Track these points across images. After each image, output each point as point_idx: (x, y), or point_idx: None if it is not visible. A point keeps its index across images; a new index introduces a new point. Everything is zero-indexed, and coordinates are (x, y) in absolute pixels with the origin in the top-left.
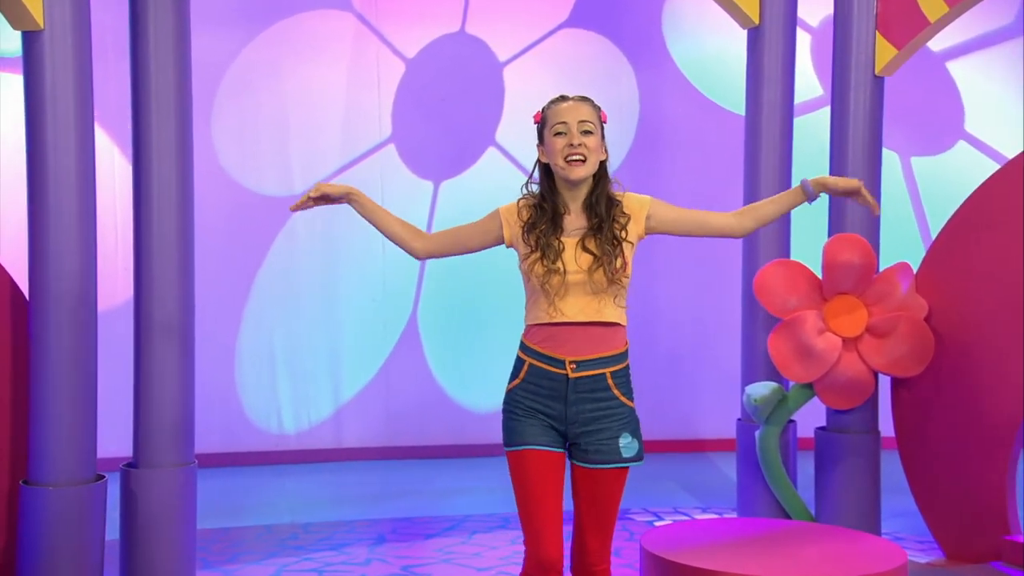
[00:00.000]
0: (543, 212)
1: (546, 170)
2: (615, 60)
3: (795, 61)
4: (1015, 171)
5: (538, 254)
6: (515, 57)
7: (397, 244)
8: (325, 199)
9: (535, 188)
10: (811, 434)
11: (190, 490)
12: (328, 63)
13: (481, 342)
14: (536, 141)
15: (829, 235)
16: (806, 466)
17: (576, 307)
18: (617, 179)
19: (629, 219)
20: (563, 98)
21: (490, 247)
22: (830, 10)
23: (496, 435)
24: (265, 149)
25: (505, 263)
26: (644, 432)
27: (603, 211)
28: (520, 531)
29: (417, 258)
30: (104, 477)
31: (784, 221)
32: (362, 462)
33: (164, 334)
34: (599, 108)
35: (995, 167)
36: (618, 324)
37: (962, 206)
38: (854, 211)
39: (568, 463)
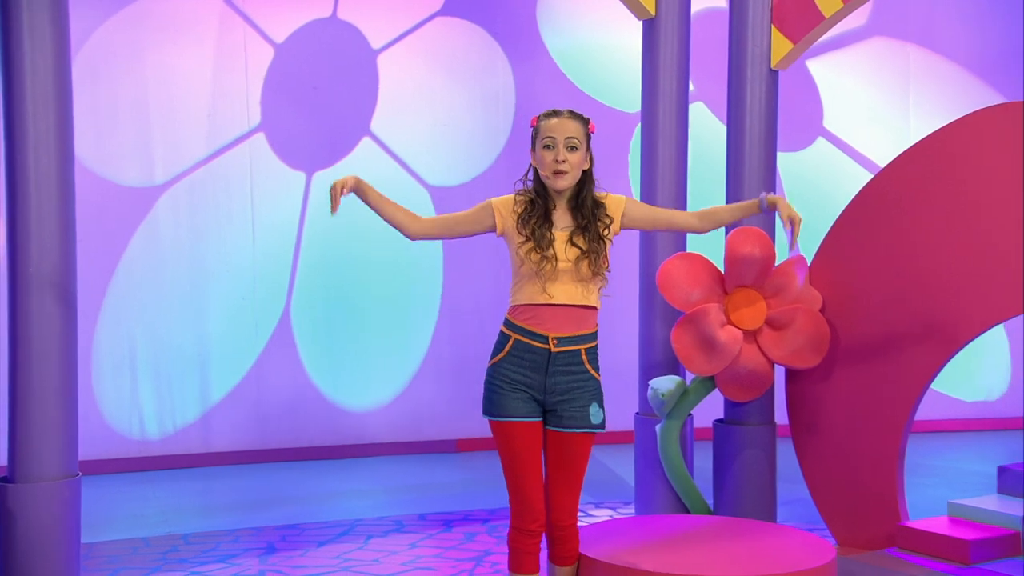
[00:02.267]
0: (535, 207)
1: (536, 172)
2: (490, 50)
3: (690, 52)
4: (901, 167)
5: (531, 244)
6: (389, 45)
7: (395, 227)
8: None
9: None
10: (708, 425)
11: (73, 505)
12: (191, 46)
13: (358, 339)
14: (530, 146)
15: (726, 229)
16: (700, 458)
17: (564, 292)
18: (597, 179)
19: (612, 220)
20: (555, 113)
21: (479, 234)
22: (710, 2)
23: (375, 434)
24: (123, 137)
25: (381, 258)
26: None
27: (589, 212)
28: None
29: (410, 239)
30: None
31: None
32: (232, 466)
33: (43, 334)
34: (587, 122)
35: (851, 163)
36: (595, 308)
37: (851, 202)
38: (751, 196)
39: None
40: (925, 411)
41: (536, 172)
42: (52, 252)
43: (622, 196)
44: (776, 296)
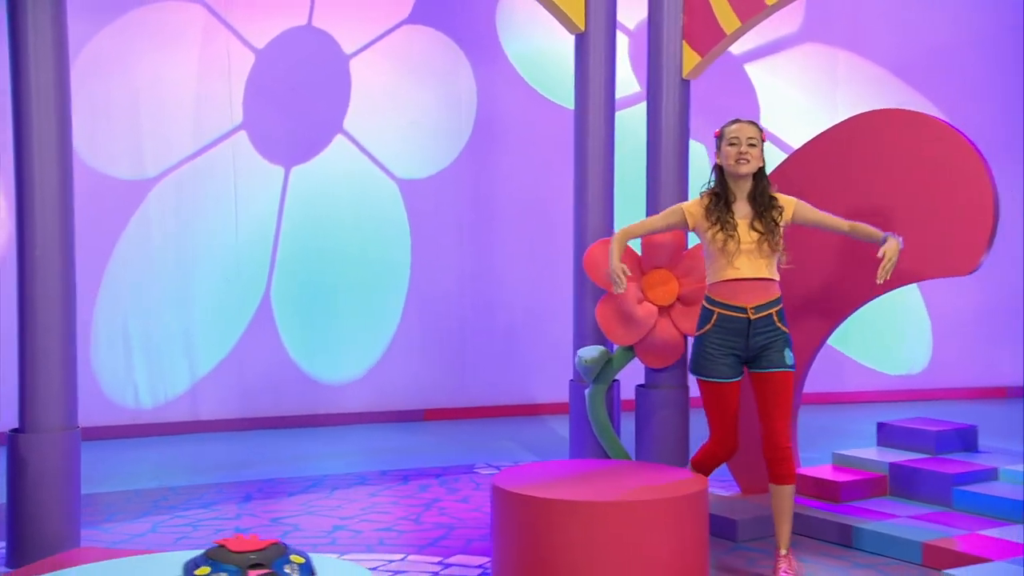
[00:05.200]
0: (719, 199)
1: (719, 172)
2: (454, 56)
3: (616, 64)
4: (801, 156)
5: (718, 227)
6: (360, 50)
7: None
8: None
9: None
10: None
11: (74, 453)
12: (178, 53)
13: (332, 318)
14: (715, 150)
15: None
16: (629, 424)
17: (749, 266)
18: (772, 182)
19: (782, 211)
20: (736, 121)
21: (673, 229)
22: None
23: (349, 405)
24: (117, 135)
25: (354, 246)
26: (485, 399)
27: (766, 201)
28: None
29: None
30: None
31: (609, 206)
32: (219, 433)
33: (47, 307)
34: (761, 129)
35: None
36: (776, 280)
37: None
38: (666, 196)
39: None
40: (854, 383)
41: (719, 172)
42: (53, 237)
43: (792, 199)
44: (687, 276)
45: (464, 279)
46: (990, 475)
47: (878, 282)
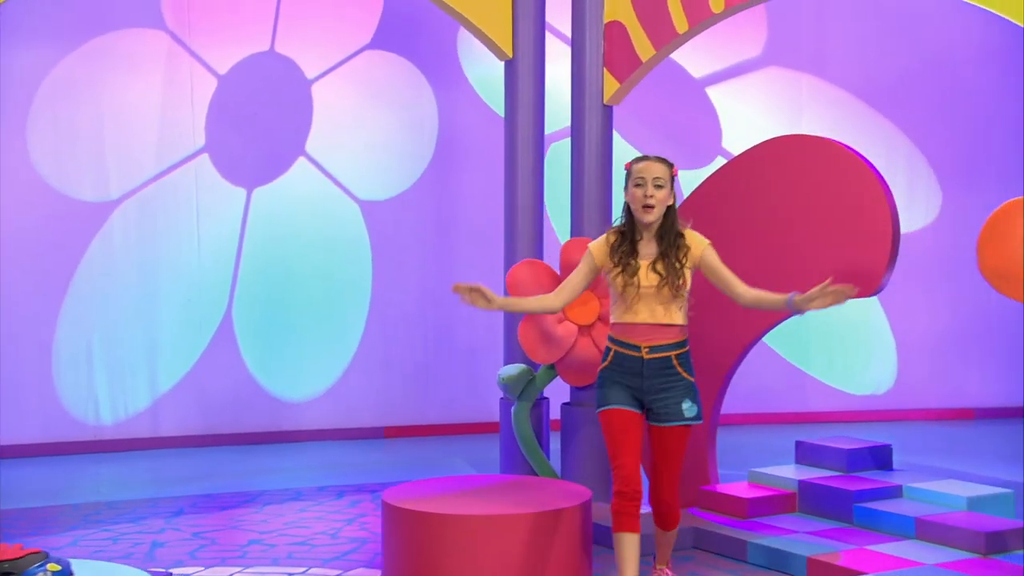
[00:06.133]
0: (624, 238)
1: (628, 208)
2: (415, 80)
3: (544, 89)
4: (714, 185)
5: (619, 269)
6: (322, 75)
7: (542, 313)
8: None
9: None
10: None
11: None
12: (142, 78)
13: (293, 337)
14: (624, 186)
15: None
16: (557, 441)
17: (647, 311)
18: (686, 219)
19: (689, 250)
20: (645, 158)
21: (596, 276)
22: None
23: (310, 422)
24: (82, 158)
25: (315, 266)
26: (446, 417)
27: (670, 241)
28: None
29: (557, 312)
30: None
31: (537, 228)
32: (179, 449)
33: None
34: (671, 166)
35: None
36: (678, 324)
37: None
38: (589, 217)
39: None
40: (819, 403)
41: (626, 210)
42: None
43: (705, 241)
44: (607, 296)
45: (425, 298)
46: (894, 492)
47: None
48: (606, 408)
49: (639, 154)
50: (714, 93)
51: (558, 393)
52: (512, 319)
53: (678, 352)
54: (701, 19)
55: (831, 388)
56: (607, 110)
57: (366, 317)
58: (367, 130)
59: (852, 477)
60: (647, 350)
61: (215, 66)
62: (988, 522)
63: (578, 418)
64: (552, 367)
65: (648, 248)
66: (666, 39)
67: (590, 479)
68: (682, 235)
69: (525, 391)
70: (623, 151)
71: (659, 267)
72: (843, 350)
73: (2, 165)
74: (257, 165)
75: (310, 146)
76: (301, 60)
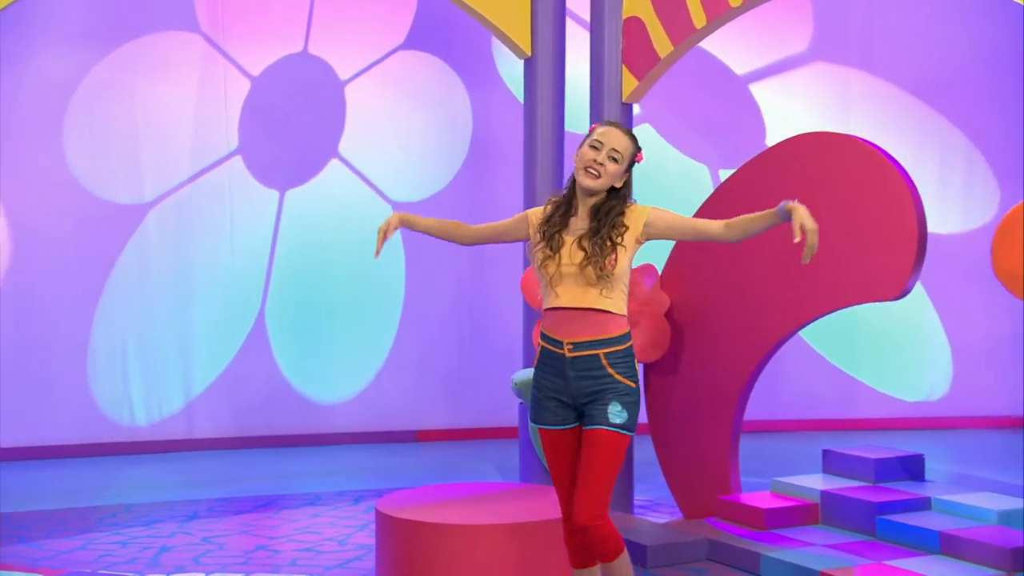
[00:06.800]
0: (559, 208)
1: (573, 180)
2: (449, 80)
3: (564, 86)
4: (736, 183)
5: (543, 243)
6: (356, 76)
7: (446, 240)
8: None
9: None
10: None
11: None
12: (177, 81)
13: (326, 339)
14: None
15: None
16: None
17: (569, 294)
18: (634, 200)
19: (627, 228)
20: (614, 124)
21: (520, 240)
22: None
23: (342, 424)
24: (116, 161)
25: (348, 267)
26: (479, 420)
27: (604, 217)
28: None
29: (463, 245)
30: None
31: None
32: (213, 451)
33: None
34: (639, 148)
35: None
36: (613, 313)
37: (698, 211)
38: None
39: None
40: (868, 410)
41: (571, 179)
42: None
43: (648, 207)
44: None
45: (459, 301)
46: (921, 504)
47: (805, 262)
48: (540, 427)
49: (677, 153)
50: (758, 90)
51: None
52: (530, 324)
53: (608, 350)
54: (719, 13)
55: (881, 394)
56: (626, 108)
57: (399, 319)
58: (401, 131)
59: (879, 488)
60: (570, 347)
61: (248, 68)
62: (1017, 537)
63: None
64: None
65: (581, 224)
66: (684, 34)
67: None
68: (622, 213)
69: None
70: (659, 149)
71: (584, 243)
72: (895, 355)
73: (39, 168)
74: (290, 167)
75: (343, 147)
76: (334, 61)
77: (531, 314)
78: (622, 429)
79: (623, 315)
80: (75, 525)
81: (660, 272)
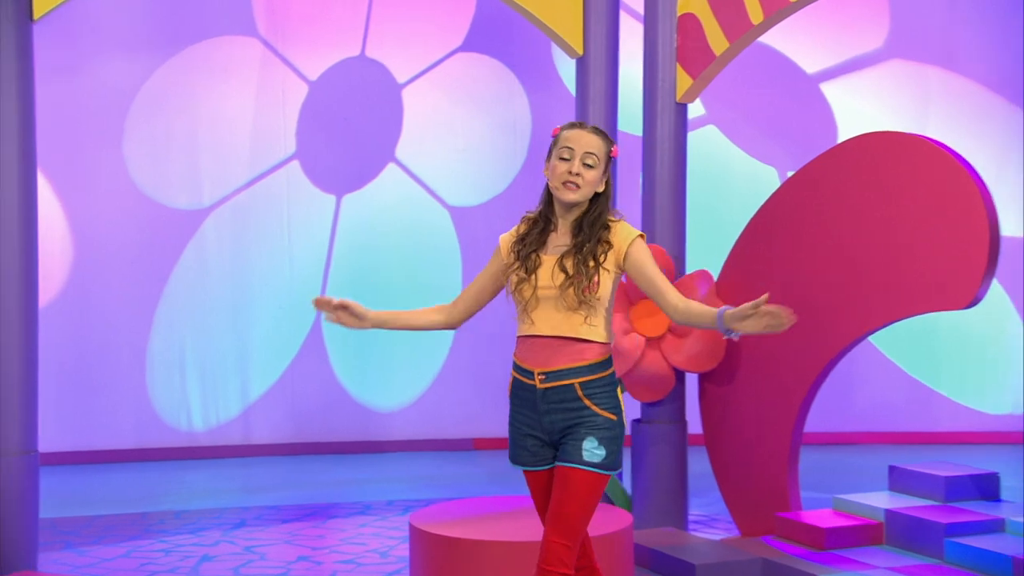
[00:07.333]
0: (535, 226)
1: (547, 192)
2: (508, 82)
3: (618, 86)
4: (796, 185)
5: (517, 264)
6: (413, 79)
7: (433, 330)
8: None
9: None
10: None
11: (31, 478)
12: (235, 86)
13: (382, 345)
14: (545, 157)
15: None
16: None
17: (546, 321)
18: (619, 210)
19: (611, 248)
20: (579, 125)
21: (505, 281)
22: None
23: (399, 431)
24: (176, 166)
25: (404, 272)
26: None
27: (588, 232)
28: None
29: (455, 328)
30: None
31: None
32: (270, 457)
33: (5, 331)
34: (611, 142)
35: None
36: (593, 342)
37: (755, 216)
38: (662, 222)
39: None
40: (948, 423)
41: (545, 191)
42: (12, 262)
43: (634, 232)
44: None
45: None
46: (994, 526)
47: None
48: (520, 468)
49: (743, 155)
50: (829, 89)
51: (629, 410)
52: None
53: (584, 379)
54: (776, 8)
55: (962, 406)
56: (681, 108)
57: None
58: (458, 134)
59: (949, 508)
60: (541, 377)
61: (306, 72)
62: None
63: (649, 436)
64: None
65: (561, 240)
66: (740, 30)
67: (663, 498)
68: (607, 227)
69: None
70: (725, 151)
71: (567, 263)
72: (977, 365)
73: (101, 174)
74: (347, 171)
75: (400, 152)
76: (391, 64)
77: None
78: (598, 468)
79: (606, 342)
80: (123, 532)
81: (715, 278)
